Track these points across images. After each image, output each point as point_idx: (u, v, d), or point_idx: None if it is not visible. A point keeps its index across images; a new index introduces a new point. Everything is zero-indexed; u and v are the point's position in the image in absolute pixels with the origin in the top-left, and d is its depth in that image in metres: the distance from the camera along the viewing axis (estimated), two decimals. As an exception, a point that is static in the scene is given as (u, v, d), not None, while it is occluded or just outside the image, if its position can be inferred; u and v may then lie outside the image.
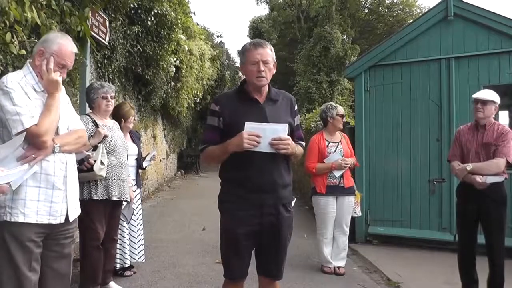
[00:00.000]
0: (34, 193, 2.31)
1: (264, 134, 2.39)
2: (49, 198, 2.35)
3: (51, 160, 2.36)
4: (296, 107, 2.73)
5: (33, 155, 2.26)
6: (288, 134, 2.49)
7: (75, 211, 2.54)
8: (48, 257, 2.44)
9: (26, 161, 2.24)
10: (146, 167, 4.87)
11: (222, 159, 2.57)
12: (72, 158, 2.53)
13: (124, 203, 4.08)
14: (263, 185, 2.48)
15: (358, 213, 5.07)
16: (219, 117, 2.56)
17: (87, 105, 5.21)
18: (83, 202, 3.44)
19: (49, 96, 2.39)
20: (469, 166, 3.66)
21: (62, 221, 2.42)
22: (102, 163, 3.54)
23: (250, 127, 2.38)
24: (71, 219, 2.48)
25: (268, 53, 2.54)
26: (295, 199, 2.72)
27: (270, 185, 2.50)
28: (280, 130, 2.42)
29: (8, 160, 2.22)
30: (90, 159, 3.45)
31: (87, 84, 5.24)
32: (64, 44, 2.44)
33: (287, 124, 2.45)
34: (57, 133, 2.43)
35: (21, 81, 2.35)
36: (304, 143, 2.76)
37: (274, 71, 2.62)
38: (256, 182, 2.48)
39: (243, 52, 2.59)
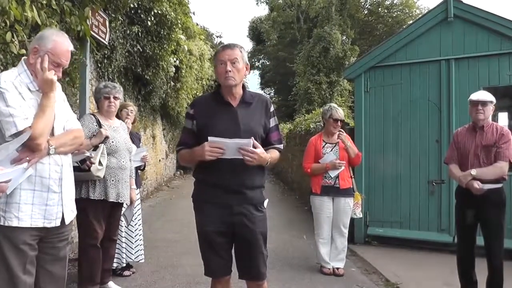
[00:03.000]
0: (28, 197, 2.25)
1: (227, 147, 2.41)
2: (43, 201, 2.30)
3: (46, 162, 2.30)
4: (272, 109, 2.73)
5: (28, 158, 2.19)
6: (260, 139, 2.56)
7: (71, 214, 2.49)
8: (43, 260, 2.39)
9: (20, 164, 2.17)
10: (140, 168, 4.81)
11: (194, 163, 2.64)
12: (67, 159, 2.47)
13: (125, 205, 4.07)
14: (230, 187, 2.53)
15: (358, 214, 5.03)
16: (193, 120, 2.61)
17: (86, 105, 5.22)
18: (81, 201, 3.45)
19: (43, 96, 2.31)
20: (474, 171, 3.62)
21: (58, 224, 2.37)
22: (100, 163, 3.53)
23: (212, 140, 2.40)
24: (67, 222, 2.43)
25: (237, 53, 2.55)
26: (267, 200, 2.73)
27: (237, 187, 2.54)
28: (243, 145, 2.41)
29: (1, 163, 2.13)
30: (91, 159, 3.44)
31: (87, 84, 5.24)
32: (59, 42, 2.36)
33: (251, 139, 2.42)
34: (52, 133, 2.36)
35: (15, 80, 2.27)
36: (282, 146, 2.75)
37: (246, 73, 2.63)
38: (224, 183, 2.53)
39: (214, 56, 2.65)
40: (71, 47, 2.46)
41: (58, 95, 2.47)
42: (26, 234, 2.26)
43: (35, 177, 2.27)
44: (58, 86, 2.47)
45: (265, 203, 2.70)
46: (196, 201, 2.70)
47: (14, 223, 2.22)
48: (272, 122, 2.71)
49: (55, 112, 2.36)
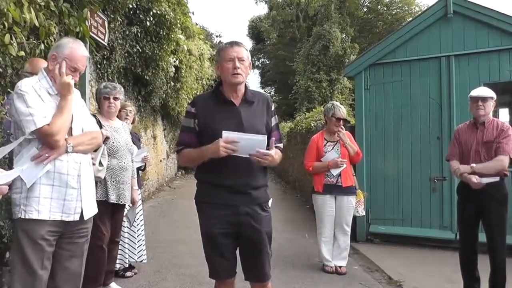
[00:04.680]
0: (47, 191, 2.39)
1: (242, 142, 2.38)
2: (62, 196, 2.43)
3: (65, 159, 2.44)
4: (273, 108, 2.71)
5: (46, 155, 2.36)
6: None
7: (90, 210, 2.60)
8: (61, 256, 2.51)
9: (40, 160, 2.35)
10: (141, 169, 4.79)
11: (199, 163, 2.59)
12: (86, 158, 2.61)
13: (128, 206, 4.06)
14: (236, 187, 2.50)
15: (361, 212, 5.01)
16: (195, 119, 2.57)
17: (87, 106, 5.20)
18: None
19: (61, 99, 2.47)
20: (474, 165, 3.62)
21: (77, 218, 2.49)
22: (101, 164, 3.51)
23: (227, 136, 2.37)
24: (85, 217, 2.54)
25: (243, 51, 2.54)
26: (272, 199, 2.71)
27: (243, 187, 2.51)
28: (258, 141, 2.39)
29: (23, 160, 2.34)
30: (91, 160, 3.43)
31: (87, 85, 5.25)
32: (75, 48, 2.53)
33: (265, 136, 2.43)
34: (70, 134, 2.51)
35: (35, 85, 2.45)
36: (282, 145, 2.74)
37: (249, 72, 2.62)
38: (229, 184, 2.49)
39: (219, 52, 2.59)
40: (86, 53, 2.64)
41: (77, 100, 2.66)
42: (44, 229, 2.38)
43: (54, 173, 2.42)
44: (77, 93, 2.66)
45: (270, 202, 2.68)
46: (200, 202, 2.65)
47: (34, 215, 2.35)
48: (273, 121, 2.69)
49: (73, 114, 2.54)
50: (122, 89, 4.02)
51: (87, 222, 2.60)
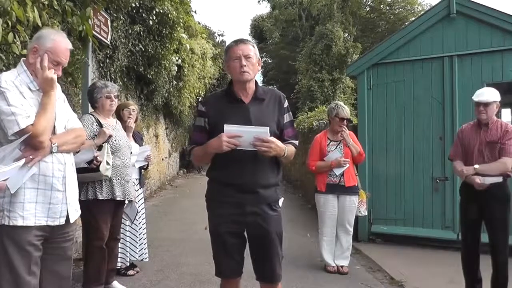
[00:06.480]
0: (32, 195, 2.26)
1: (244, 136, 2.34)
2: (47, 199, 2.31)
3: (49, 161, 2.31)
4: (286, 104, 2.66)
5: (31, 156, 2.21)
6: (274, 136, 2.45)
7: (75, 212, 2.50)
8: (49, 260, 2.39)
9: (24, 162, 2.19)
10: (144, 167, 4.81)
11: (207, 160, 2.57)
12: (70, 158, 2.48)
13: (127, 202, 4.08)
14: (244, 185, 2.47)
15: (363, 212, 5.01)
16: (205, 117, 2.56)
17: (89, 105, 5.22)
18: (88, 202, 3.48)
19: (44, 95, 2.32)
20: (477, 166, 3.62)
21: (62, 222, 2.38)
22: (107, 163, 3.54)
23: (229, 129, 2.34)
24: (71, 221, 2.44)
25: (250, 48, 2.51)
26: (283, 198, 2.67)
27: (250, 186, 2.47)
28: (261, 133, 2.35)
29: (5, 163, 2.17)
30: (98, 157, 3.43)
31: (89, 84, 5.25)
32: (58, 41, 2.38)
33: (268, 128, 2.38)
34: (54, 132, 2.37)
35: (15, 80, 2.29)
36: (297, 142, 2.70)
37: (259, 68, 2.59)
38: (237, 182, 2.46)
39: (226, 51, 2.59)
40: (70, 45, 2.47)
41: (58, 95, 2.49)
42: (30, 234, 2.25)
43: (39, 175, 2.27)
44: (58, 87, 2.48)
45: (281, 202, 2.63)
46: (209, 200, 2.62)
47: (19, 222, 2.22)
48: (287, 118, 2.65)
49: (56, 111, 2.38)
50: None
51: (72, 225, 2.49)
